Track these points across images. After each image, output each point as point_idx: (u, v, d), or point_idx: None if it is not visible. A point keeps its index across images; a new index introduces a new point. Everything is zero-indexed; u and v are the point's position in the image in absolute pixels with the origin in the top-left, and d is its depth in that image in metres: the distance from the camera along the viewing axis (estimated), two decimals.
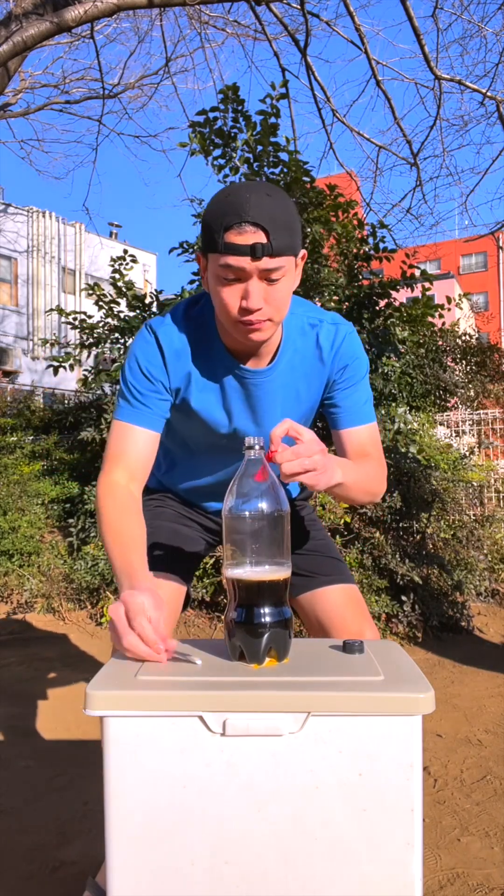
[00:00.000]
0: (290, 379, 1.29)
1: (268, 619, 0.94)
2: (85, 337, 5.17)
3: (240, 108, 4.75)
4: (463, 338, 7.99)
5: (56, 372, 4.93)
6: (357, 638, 1.28)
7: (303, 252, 1.17)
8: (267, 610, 0.94)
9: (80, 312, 5.18)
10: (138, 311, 5.19)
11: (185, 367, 1.26)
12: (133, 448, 1.24)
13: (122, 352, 5.06)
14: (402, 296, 4.98)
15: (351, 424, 1.32)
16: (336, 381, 1.31)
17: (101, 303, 5.14)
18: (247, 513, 0.95)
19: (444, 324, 6.79)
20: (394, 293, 4.71)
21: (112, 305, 5.18)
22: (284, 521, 0.97)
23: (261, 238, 1.07)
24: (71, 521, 4.24)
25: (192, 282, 5.03)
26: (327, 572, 1.43)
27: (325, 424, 1.40)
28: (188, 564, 1.46)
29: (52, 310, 5.60)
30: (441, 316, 4.93)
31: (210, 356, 1.26)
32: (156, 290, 5.48)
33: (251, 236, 1.06)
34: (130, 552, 1.10)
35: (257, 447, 0.99)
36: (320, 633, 1.38)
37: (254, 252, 1.07)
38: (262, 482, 0.97)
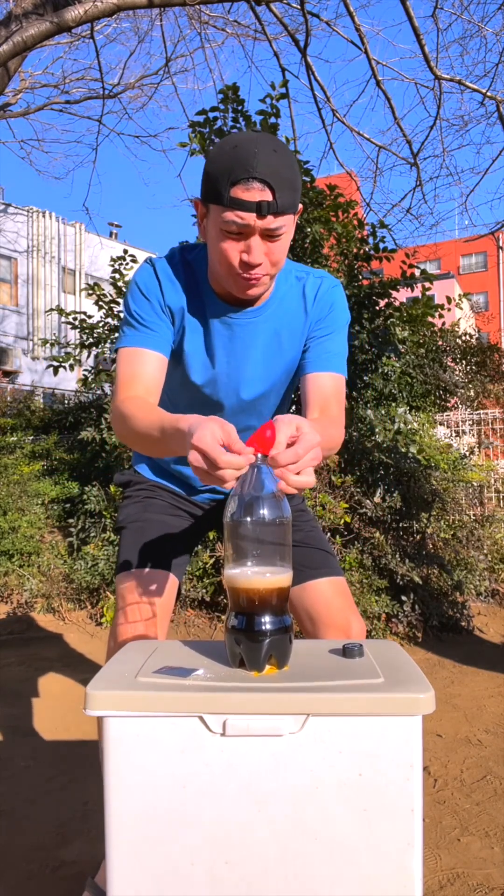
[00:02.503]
0: (273, 325, 1.30)
1: (268, 626, 0.94)
2: (85, 337, 5.17)
3: (240, 108, 4.75)
4: (463, 338, 7.99)
5: (56, 372, 4.93)
6: (343, 630, 1.30)
7: (300, 206, 1.18)
8: (267, 617, 0.94)
9: (80, 312, 5.18)
10: None
11: (179, 300, 1.27)
12: (145, 370, 1.23)
13: None
14: (402, 296, 4.98)
15: (316, 369, 1.29)
16: (313, 331, 1.31)
17: (101, 303, 5.14)
18: (248, 519, 0.94)
19: (444, 324, 6.79)
20: (394, 293, 4.71)
21: (112, 305, 5.18)
22: (286, 529, 0.96)
23: (267, 196, 1.06)
24: (71, 521, 4.24)
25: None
26: (315, 565, 1.42)
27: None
28: (179, 556, 1.46)
29: (52, 310, 5.60)
30: (441, 316, 4.93)
31: (201, 300, 1.27)
32: None
33: (258, 193, 1.06)
34: (169, 416, 1.07)
35: (259, 455, 0.98)
36: (307, 624, 1.38)
37: (259, 210, 1.07)
38: (265, 490, 0.96)
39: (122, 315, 1.30)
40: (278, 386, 1.39)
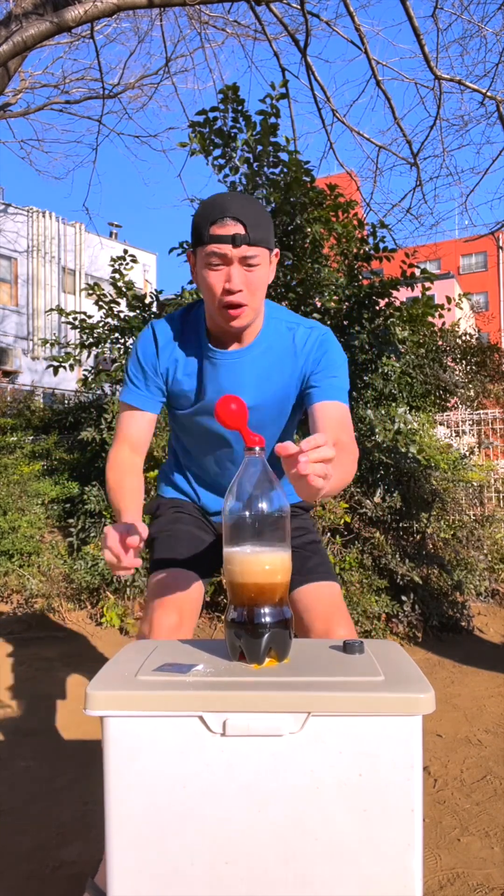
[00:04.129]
0: (262, 363, 1.43)
1: (268, 619, 0.94)
2: (85, 337, 5.17)
3: (240, 108, 4.74)
4: (463, 338, 8.00)
5: (56, 372, 4.93)
6: (331, 636, 1.33)
7: (276, 250, 1.36)
8: (267, 610, 0.94)
9: (80, 312, 5.18)
10: (138, 311, 5.19)
11: (174, 354, 1.46)
12: (133, 428, 1.50)
13: (122, 352, 5.06)
14: (402, 296, 4.98)
15: (323, 399, 1.38)
16: (313, 370, 1.41)
17: (101, 303, 5.14)
18: (247, 513, 0.95)
19: (444, 324, 6.80)
20: (394, 293, 4.71)
21: (112, 305, 5.18)
22: (285, 522, 0.97)
23: (240, 230, 1.26)
24: (71, 521, 4.24)
25: (191, 281, 5.03)
26: (309, 570, 1.49)
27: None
28: (204, 561, 1.56)
29: (52, 310, 5.60)
30: (441, 316, 4.93)
31: (197, 346, 1.45)
32: (156, 290, 5.48)
33: (232, 228, 1.26)
34: (125, 499, 1.38)
35: (258, 448, 0.99)
36: (298, 629, 1.42)
37: (234, 241, 1.26)
38: (262, 479, 0.97)
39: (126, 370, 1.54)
40: (271, 419, 1.49)
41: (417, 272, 4.77)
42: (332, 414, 1.36)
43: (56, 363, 4.96)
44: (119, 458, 1.47)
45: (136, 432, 1.50)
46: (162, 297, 5.35)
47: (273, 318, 1.45)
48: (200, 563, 1.54)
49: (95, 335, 5.15)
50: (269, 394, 1.44)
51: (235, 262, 1.28)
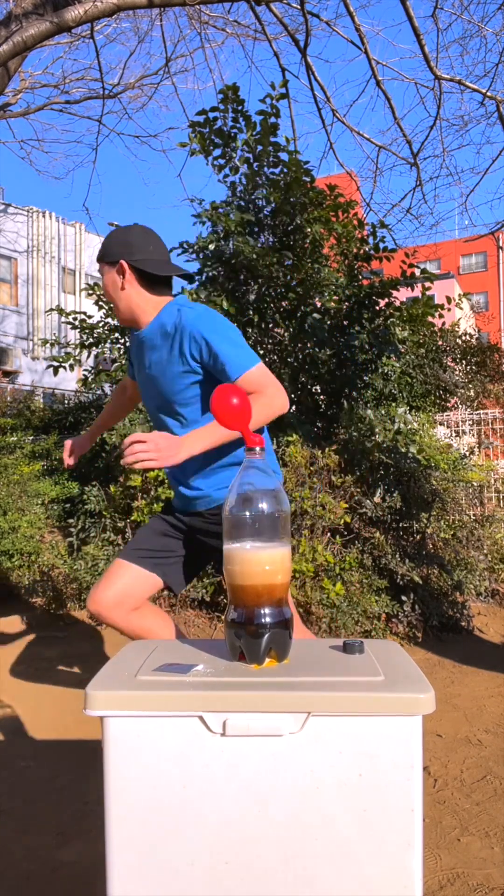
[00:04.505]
0: (156, 338, 1.83)
1: (268, 619, 0.94)
2: (85, 337, 5.17)
3: (240, 108, 4.74)
4: (463, 338, 7.99)
5: (56, 372, 4.93)
6: None
7: (120, 261, 1.79)
8: (267, 610, 0.94)
9: (80, 312, 5.18)
10: None
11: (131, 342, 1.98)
12: (126, 381, 2.20)
13: (122, 352, 5.06)
14: (402, 296, 4.98)
15: (236, 375, 1.69)
16: (200, 347, 1.72)
17: (101, 303, 5.14)
18: (247, 513, 0.95)
19: (444, 324, 6.80)
20: (394, 293, 4.71)
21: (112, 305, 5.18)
22: (285, 522, 0.97)
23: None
24: (71, 521, 4.24)
25: (191, 282, 5.03)
26: None
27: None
28: (163, 556, 1.92)
29: (52, 310, 5.60)
30: (441, 316, 4.93)
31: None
32: None
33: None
34: (98, 418, 2.20)
35: (258, 449, 1.00)
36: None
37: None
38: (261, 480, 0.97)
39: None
40: (170, 396, 1.83)
41: (417, 272, 4.77)
42: (251, 385, 1.69)
43: (56, 363, 4.96)
44: (119, 386, 2.21)
45: (127, 382, 2.16)
46: None
47: (171, 304, 1.83)
48: (154, 551, 1.90)
49: (95, 335, 5.15)
50: (167, 367, 1.80)
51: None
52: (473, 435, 6.88)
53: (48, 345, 5.63)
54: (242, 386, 1.69)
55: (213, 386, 1.76)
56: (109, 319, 5.18)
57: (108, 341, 5.14)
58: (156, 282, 1.84)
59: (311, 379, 4.93)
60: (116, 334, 5.14)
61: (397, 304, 4.89)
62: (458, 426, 6.95)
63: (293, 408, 5.02)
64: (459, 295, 11.66)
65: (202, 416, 1.82)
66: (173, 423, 1.85)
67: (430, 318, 4.85)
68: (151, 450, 1.52)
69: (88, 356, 5.24)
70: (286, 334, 4.98)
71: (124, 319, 1.88)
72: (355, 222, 4.97)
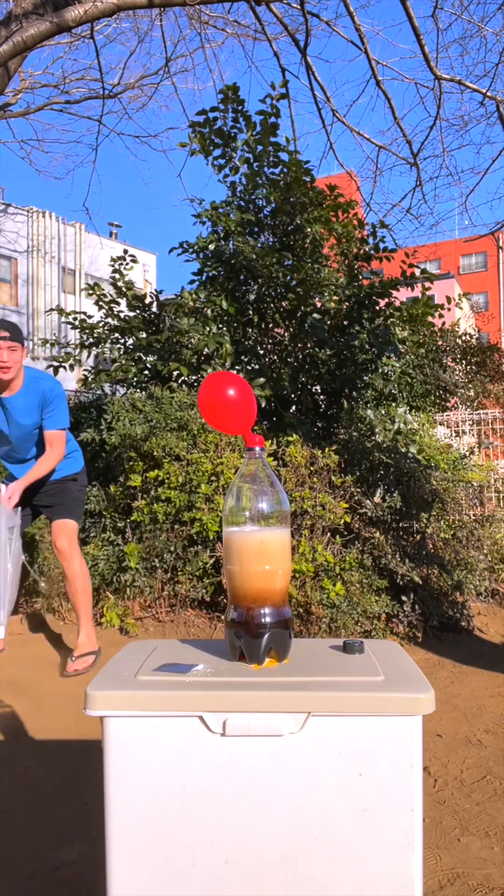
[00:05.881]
0: (24, 402, 2.91)
1: (268, 619, 0.94)
2: (85, 337, 5.17)
3: (240, 108, 4.75)
4: (463, 338, 7.99)
5: (56, 372, 4.93)
6: (56, 545, 3.03)
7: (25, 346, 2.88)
8: (267, 610, 0.94)
9: (80, 312, 5.18)
10: (138, 311, 5.19)
11: None
12: None
13: (122, 352, 5.06)
14: (402, 296, 4.98)
15: (47, 428, 2.99)
16: (44, 408, 2.95)
17: (101, 303, 5.14)
18: (247, 512, 0.95)
19: (444, 324, 6.80)
20: (394, 293, 4.71)
21: (112, 305, 5.18)
22: (285, 521, 0.97)
23: (3, 334, 2.76)
24: None
25: (191, 282, 5.04)
26: (55, 511, 3.11)
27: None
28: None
29: (52, 310, 5.60)
30: (441, 316, 4.93)
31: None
32: (156, 290, 5.48)
33: (1, 332, 2.76)
34: None
35: (258, 449, 1.00)
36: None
37: (3, 337, 2.79)
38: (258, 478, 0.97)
39: (101, 334, 2.59)
40: (29, 434, 3.01)
41: (417, 272, 4.77)
42: (49, 438, 3.01)
43: (56, 363, 4.96)
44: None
45: None
46: (162, 297, 5.35)
47: (30, 375, 2.94)
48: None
49: (95, 335, 5.15)
50: (30, 421, 2.95)
51: (4, 348, 2.79)
52: (473, 435, 6.88)
53: (48, 345, 5.63)
54: (48, 437, 3.03)
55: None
56: (109, 319, 5.19)
57: (108, 341, 5.14)
58: None
59: (311, 379, 4.93)
60: (116, 334, 5.14)
61: (397, 304, 4.89)
62: (458, 426, 6.95)
63: (293, 408, 5.02)
64: (459, 295, 11.66)
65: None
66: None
67: (430, 318, 4.85)
68: (5, 496, 2.78)
69: (88, 356, 5.24)
70: (286, 334, 4.98)
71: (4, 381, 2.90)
72: (355, 222, 4.97)
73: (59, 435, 2.98)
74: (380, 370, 4.81)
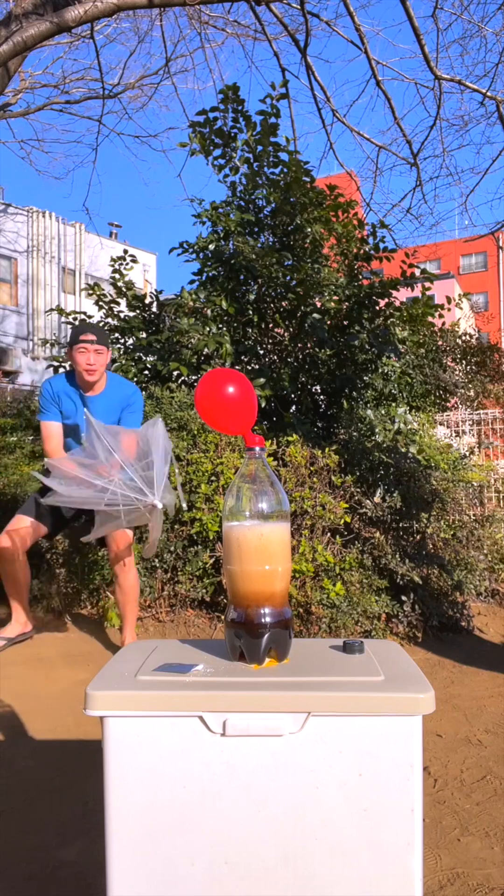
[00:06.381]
0: (106, 402, 3.00)
1: (268, 619, 0.94)
2: None
3: (240, 108, 4.75)
4: (463, 338, 7.99)
5: (56, 372, 4.93)
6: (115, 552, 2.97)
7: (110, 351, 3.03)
8: (267, 611, 0.94)
9: (80, 312, 5.18)
10: (138, 311, 5.19)
11: (59, 392, 3.02)
12: (52, 432, 3.04)
13: (122, 352, 5.06)
14: (402, 296, 4.98)
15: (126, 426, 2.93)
16: (125, 409, 3.02)
17: (101, 303, 5.14)
18: (247, 513, 0.95)
19: (444, 324, 6.79)
20: (394, 293, 4.71)
21: (112, 305, 5.18)
22: (285, 520, 0.97)
23: (92, 338, 2.92)
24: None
25: (191, 282, 5.04)
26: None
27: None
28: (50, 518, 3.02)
29: (52, 310, 5.60)
30: (441, 316, 4.93)
31: (68, 390, 3.03)
32: (156, 290, 5.48)
33: (90, 336, 2.92)
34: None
35: (257, 449, 1.00)
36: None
37: (91, 341, 2.92)
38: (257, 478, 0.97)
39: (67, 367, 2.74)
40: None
41: (417, 272, 4.77)
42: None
43: (56, 363, 4.96)
44: (55, 452, 2.99)
45: (55, 433, 3.03)
46: (162, 297, 5.35)
47: (113, 377, 3.07)
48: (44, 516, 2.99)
49: None
50: (110, 420, 2.92)
51: (91, 351, 2.92)
52: (473, 435, 6.88)
53: (48, 345, 5.62)
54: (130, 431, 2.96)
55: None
56: (109, 319, 5.19)
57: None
58: None
59: (311, 379, 4.93)
60: (116, 334, 5.14)
61: (397, 304, 4.89)
62: (458, 426, 6.95)
63: (293, 408, 5.02)
64: (459, 295, 11.66)
65: None
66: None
67: (429, 318, 4.85)
68: None
69: None
70: (286, 334, 4.98)
71: (93, 378, 2.96)
72: (355, 222, 4.97)
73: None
74: (380, 370, 4.81)
